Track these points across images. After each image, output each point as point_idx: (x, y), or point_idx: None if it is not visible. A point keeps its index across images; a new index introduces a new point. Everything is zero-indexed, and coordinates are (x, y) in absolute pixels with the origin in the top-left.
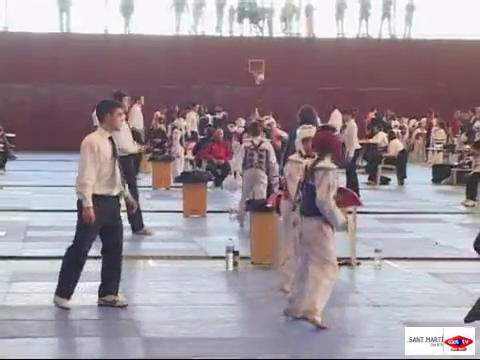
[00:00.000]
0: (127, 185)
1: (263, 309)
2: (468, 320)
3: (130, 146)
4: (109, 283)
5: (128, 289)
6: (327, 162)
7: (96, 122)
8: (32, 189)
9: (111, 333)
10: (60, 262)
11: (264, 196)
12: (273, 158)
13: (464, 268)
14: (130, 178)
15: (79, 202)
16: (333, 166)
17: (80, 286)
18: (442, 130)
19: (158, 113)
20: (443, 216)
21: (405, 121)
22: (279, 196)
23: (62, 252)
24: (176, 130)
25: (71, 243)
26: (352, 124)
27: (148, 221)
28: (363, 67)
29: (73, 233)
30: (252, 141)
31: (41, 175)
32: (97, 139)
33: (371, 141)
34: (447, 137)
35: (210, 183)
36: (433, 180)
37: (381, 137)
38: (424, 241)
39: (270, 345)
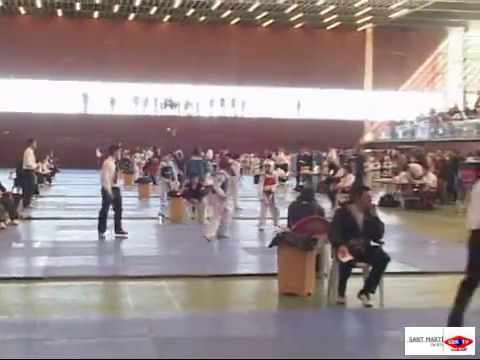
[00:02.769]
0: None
1: (179, 242)
2: (270, 246)
3: (33, 164)
4: (118, 224)
5: None
6: (224, 171)
7: (99, 154)
8: (69, 185)
9: (114, 252)
10: (82, 221)
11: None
12: (174, 171)
13: None
14: (32, 183)
15: (102, 190)
16: (224, 172)
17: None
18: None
19: (126, 150)
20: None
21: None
22: (184, 190)
23: (85, 215)
24: (135, 158)
25: (100, 208)
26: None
27: (123, 202)
28: (225, 130)
29: (91, 206)
30: (164, 161)
31: (73, 179)
32: (111, 162)
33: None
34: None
35: (151, 183)
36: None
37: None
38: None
39: (193, 259)
